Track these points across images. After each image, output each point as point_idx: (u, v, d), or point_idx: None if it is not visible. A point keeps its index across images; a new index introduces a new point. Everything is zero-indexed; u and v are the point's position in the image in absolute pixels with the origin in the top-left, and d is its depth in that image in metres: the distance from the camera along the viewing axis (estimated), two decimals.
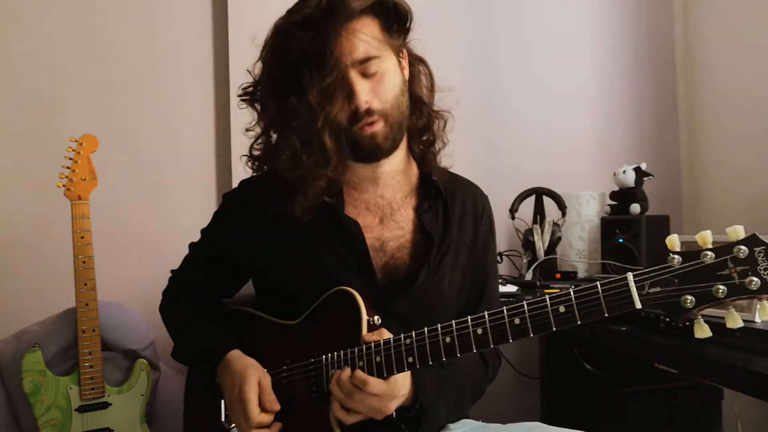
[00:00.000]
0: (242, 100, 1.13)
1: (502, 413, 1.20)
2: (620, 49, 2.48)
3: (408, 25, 1.09)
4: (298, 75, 1.01)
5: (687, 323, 1.34)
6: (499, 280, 2.00)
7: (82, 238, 1.68)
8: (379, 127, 1.05)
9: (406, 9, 1.08)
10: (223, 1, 2.22)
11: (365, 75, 1.03)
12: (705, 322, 0.83)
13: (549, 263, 2.10)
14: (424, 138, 1.16)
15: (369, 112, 1.03)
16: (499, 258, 2.20)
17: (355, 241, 1.09)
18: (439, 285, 1.11)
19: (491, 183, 2.27)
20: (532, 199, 2.21)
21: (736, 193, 2.17)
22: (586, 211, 2.18)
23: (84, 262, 1.67)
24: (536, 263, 2.08)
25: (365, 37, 1.01)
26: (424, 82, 1.16)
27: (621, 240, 1.98)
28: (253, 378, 1.02)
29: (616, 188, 2.10)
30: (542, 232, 2.11)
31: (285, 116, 1.04)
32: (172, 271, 1.30)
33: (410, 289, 1.08)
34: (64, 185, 1.68)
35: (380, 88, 1.04)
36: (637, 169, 2.05)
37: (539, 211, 2.20)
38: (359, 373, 0.95)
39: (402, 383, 0.97)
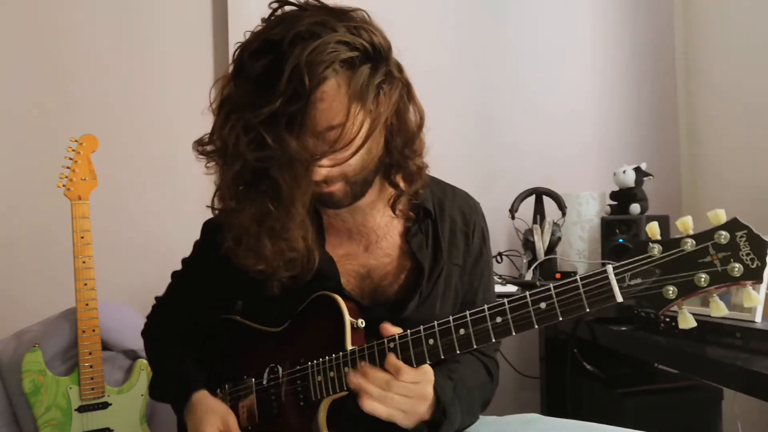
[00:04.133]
0: (200, 154, 0.99)
1: (502, 413, 1.20)
2: (620, 50, 2.48)
3: (386, 63, 0.93)
4: (265, 171, 0.91)
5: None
6: (499, 280, 2.01)
7: (82, 238, 1.68)
8: (337, 187, 0.96)
9: (380, 45, 0.91)
10: (223, 2, 2.22)
11: (325, 141, 0.90)
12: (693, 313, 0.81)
13: (549, 263, 2.10)
14: (397, 174, 1.05)
15: (327, 179, 0.94)
16: (499, 258, 2.20)
17: (329, 280, 1.04)
18: (431, 312, 1.07)
19: (491, 183, 2.29)
20: (532, 199, 2.21)
21: (736, 193, 2.17)
22: (586, 211, 2.18)
23: (84, 262, 1.67)
24: (536, 263, 2.08)
25: (327, 106, 0.87)
26: (404, 125, 1.00)
27: (621, 240, 1.98)
28: (213, 422, 1.02)
29: (616, 188, 2.10)
30: (542, 232, 2.11)
31: (259, 218, 0.94)
32: (157, 298, 1.28)
33: (400, 317, 1.04)
34: (64, 185, 1.68)
35: (341, 155, 0.91)
36: (637, 169, 2.05)
37: (539, 211, 2.20)
38: (393, 359, 0.91)
39: (430, 370, 0.94)
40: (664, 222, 2.05)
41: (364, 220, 1.09)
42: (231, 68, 0.93)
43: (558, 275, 2.06)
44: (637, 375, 1.91)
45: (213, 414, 1.03)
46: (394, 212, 1.08)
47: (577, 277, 0.83)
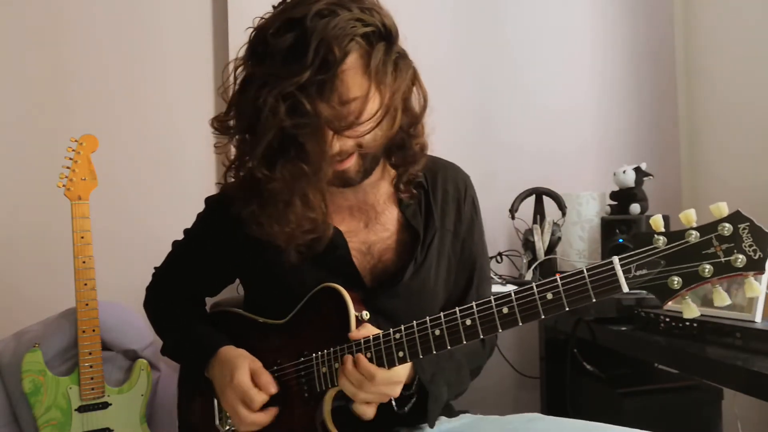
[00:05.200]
0: (218, 131, 1.04)
1: (502, 413, 1.20)
2: (620, 50, 2.48)
3: (394, 43, 0.98)
4: (293, 138, 0.94)
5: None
6: (499, 280, 2.01)
7: (82, 238, 1.68)
8: (351, 162, 1.00)
9: (390, 26, 0.97)
10: (223, 2, 2.22)
11: (349, 113, 0.94)
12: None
13: (549, 263, 2.10)
14: (400, 155, 1.09)
15: (341, 153, 0.98)
16: (499, 258, 2.20)
17: (338, 248, 1.08)
18: (426, 278, 1.10)
19: (491, 183, 2.29)
20: (532, 199, 2.21)
21: (736, 193, 2.17)
22: (586, 211, 2.18)
23: (84, 262, 1.67)
24: (536, 263, 2.08)
25: (351, 78, 0.92)
26: (409, 105, 1.05)
27: (621, 240, 1.98)
28: (244, 364, 1.03)
29: (616, 188, 2.10)
30: (542, 232, 2.11)
31: (292, 181, 0.97)
32: (156, 268, 1.29)
33: (397, 286, 1.07)
34: (64, 185, 1.68)
35: (361, 128, 0.95)
36: (637, 169, 2.05)
37: (539, 211, 2.20)
38: (365, 363, 0.94)
39: (403, 368, 0.97)
40: (665, 222, 2.05)
41: (365, 197, 1.12)
42: (248, 50, 0.98)
43: (558, 275, 2.06)
44: (637, 375, 1.91)
45: (243, 358, 1.05)
46: (397, 191, 1.12)
47: (584, 268, 0.84)
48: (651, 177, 2.07)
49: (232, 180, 1.07)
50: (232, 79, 0.99)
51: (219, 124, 1.03)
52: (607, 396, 1.81)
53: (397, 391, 0.97)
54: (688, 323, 1.38)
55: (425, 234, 1.12)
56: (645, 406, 1.75)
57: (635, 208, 2.01)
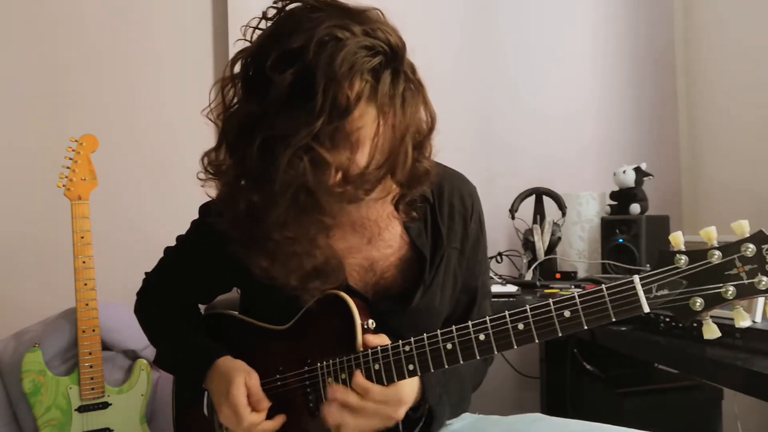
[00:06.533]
0: (212, 175, 0.95)
1: (502, 413, 1.20)
2: (620, 50, 2.48)
3: (401, 65, 0.90)
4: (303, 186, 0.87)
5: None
6: (499, 280, 2.01)
7: (82, 238, 1.68)
8: (350, 187, 0.93)
9: (395, 44, 0.89)
10: (223, 2, 2.22)
11: (356, 151, 0.89)
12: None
13: (549, 263, 2.10)
14: (405, 173, 1.03)
15: (341, 184, 0.92)
16: (499, 258, 2.20)
17: (336, 271, 1.03)
18: (433, 299, 1.07)
19: (491, 183, 2.29)
20: (532, 199, 2.21)
21: (736, 193, 2.17)
22: (586, 211, 2.18)
23: (84, 262, 1.67)
24: (536, 263, 2.08)
25: (358, 118, 0.86)
26: (416, 124, 0.97)
27: (621, 240, 1.98)
28: (239, 379, 1.00)
29: (616, 188, 2.10)
30: (542, 232, 2.11)
31: (315, 237, 0.93)
32: (147, 274, 1.26)
33: (405, 309, 1.04)
34: (64, 185, 1.68)
35: (367, 175, 0.90)
36: (637, 169, 2.05)
37: (539, 211, 2.20)
38: (360, 379, 0.92)
39: (410, 387, 0.94)
40: (664, 222, 2.06)
41: (368, 212, 1.07)
42: (240, 75, 0.90)
43: (558, 275, 2.06)
44: (637, 375, 1.91)
45: (238, 370, 1.02)
46: (397, 211, 1.07)
47: (603, 286, 0.82)
48: (651, 177, 2.07)
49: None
50: (220, 98, 0.92)
51: (213, 167, 0.94)
52: (607, 396, 1.81)
53: (401, 413, 0.93)
54: (695, 324, 1.38)
55: (433, 255, 1.08)
56: (645, 406, 1.75)
57: (635, 208, 2.01)
